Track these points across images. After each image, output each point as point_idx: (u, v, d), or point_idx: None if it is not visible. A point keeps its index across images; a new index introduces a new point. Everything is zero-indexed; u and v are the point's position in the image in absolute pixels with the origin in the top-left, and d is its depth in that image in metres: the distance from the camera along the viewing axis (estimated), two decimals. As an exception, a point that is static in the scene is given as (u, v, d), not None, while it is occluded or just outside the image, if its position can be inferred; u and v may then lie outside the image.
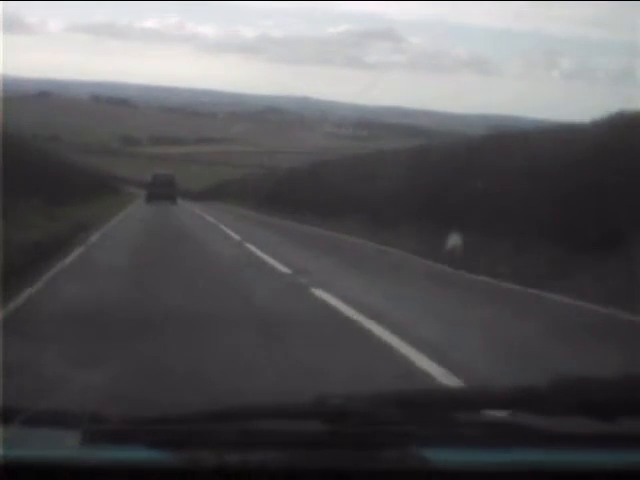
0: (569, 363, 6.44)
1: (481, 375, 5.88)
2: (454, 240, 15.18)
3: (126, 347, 6.15)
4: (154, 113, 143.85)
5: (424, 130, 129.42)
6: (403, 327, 7.63)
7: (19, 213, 16.09)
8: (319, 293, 9.73)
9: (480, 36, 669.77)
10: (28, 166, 21.67)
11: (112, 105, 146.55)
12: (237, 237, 19.92)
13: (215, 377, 5.50)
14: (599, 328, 8.75)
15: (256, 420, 1.74)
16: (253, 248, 16.45)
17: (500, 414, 1.85)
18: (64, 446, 1.64)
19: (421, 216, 19.08)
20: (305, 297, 9.62)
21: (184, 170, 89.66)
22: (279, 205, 35.81)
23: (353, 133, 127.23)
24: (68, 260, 12.90)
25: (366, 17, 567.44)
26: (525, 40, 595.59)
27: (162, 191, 42.64)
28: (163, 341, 6.45)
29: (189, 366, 5.71)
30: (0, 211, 13.42)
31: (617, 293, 10.02)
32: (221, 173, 77.89)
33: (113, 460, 1.62)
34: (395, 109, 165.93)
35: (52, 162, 32.01)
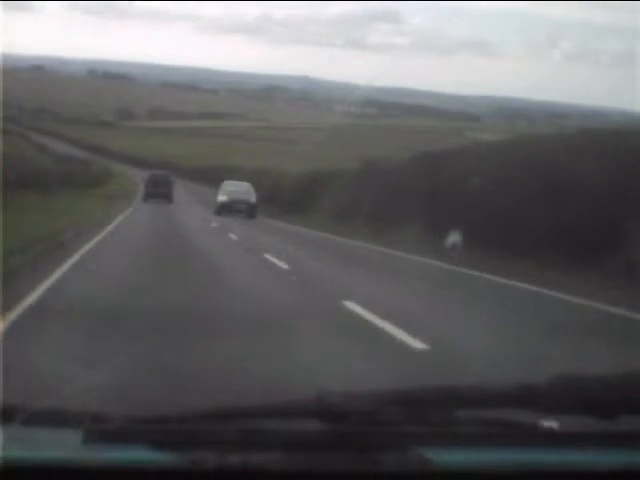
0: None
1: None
2: (453, 238, 15.50)
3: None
4: (153, 88, 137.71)
5: (429, 109, 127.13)
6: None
7: None
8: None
9: (480, 19, 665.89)
10: None
11: (109, 79, 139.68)
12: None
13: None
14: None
15: (257, 420, 1.72)
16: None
17: (501, 413, 1.79)
18: (65, 446, 1.60)
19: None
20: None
21: (222, 145, 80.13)
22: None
23: (361, 111, 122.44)
24: None
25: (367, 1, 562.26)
26: (526, 22, 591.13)
27: (159, 190, 43.82)
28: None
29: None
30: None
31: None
32: (289, 153, 52.70)
33: (114, 460, 1.59)
34: (398, 89, 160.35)
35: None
